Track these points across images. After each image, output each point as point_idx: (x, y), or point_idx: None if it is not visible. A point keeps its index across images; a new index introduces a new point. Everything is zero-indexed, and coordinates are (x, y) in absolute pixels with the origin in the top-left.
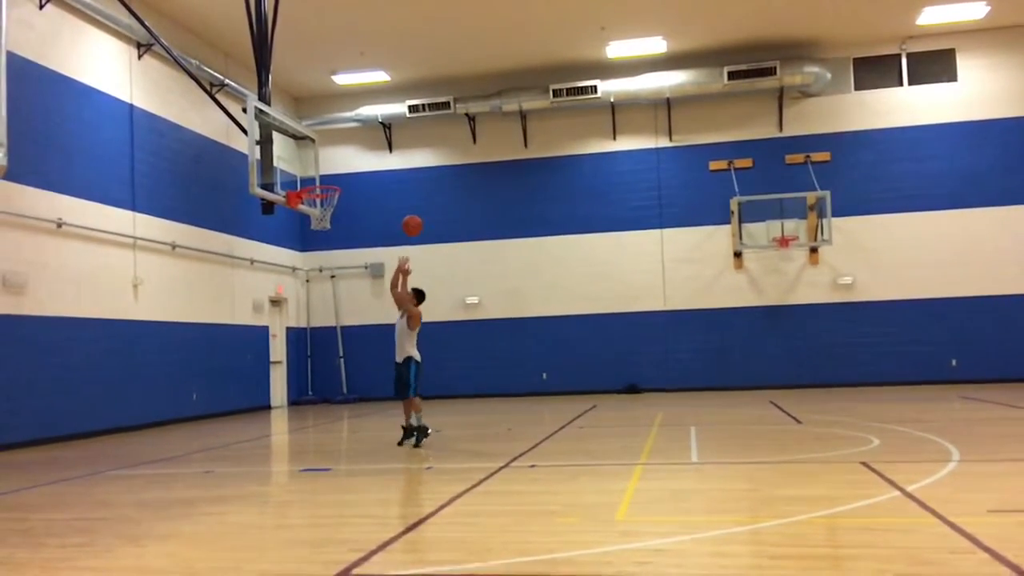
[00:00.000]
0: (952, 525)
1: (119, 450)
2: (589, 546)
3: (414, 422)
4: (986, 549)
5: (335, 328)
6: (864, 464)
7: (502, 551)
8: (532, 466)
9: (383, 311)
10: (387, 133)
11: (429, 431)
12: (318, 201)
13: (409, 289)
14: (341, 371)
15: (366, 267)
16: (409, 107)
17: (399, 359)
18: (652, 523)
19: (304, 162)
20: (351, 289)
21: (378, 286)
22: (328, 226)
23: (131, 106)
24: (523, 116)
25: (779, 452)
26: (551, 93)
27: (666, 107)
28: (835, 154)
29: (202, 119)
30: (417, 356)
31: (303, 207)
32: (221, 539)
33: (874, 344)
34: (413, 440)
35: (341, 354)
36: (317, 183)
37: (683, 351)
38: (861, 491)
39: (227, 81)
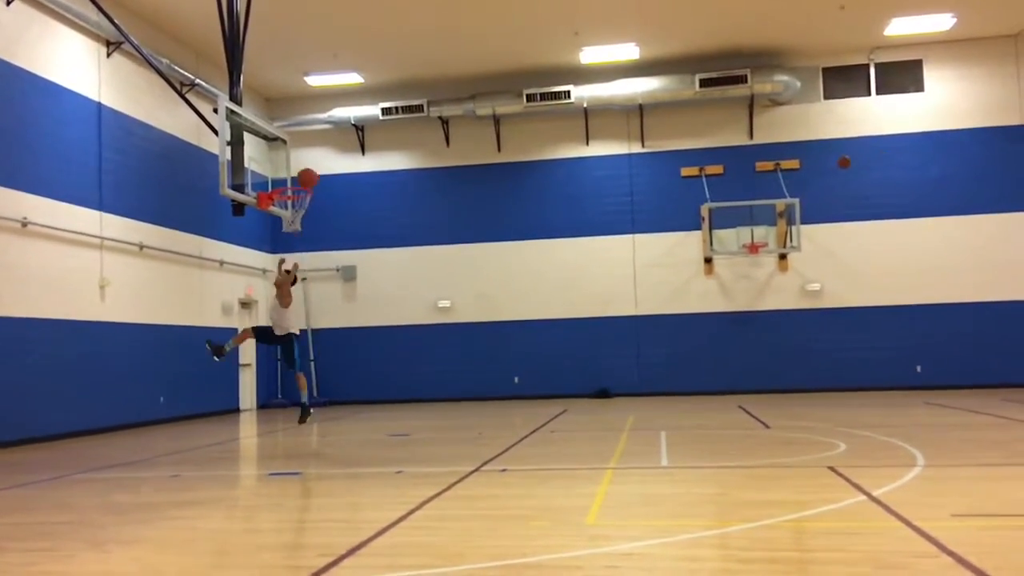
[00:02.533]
0: (917, 529)
1: (85, 453)
2: (559, 550)
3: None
4: (950, 553)
5: (306, 331)
6: (831, 469)
7: (473, 555)
8: (503, 470)
9: (355, 314)
10: (360, 135)
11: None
12: (289, 203)
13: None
14: (312, 374)
15: (337, 270)
16: (382, 109)
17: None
18: (622, 527)
19: (276, 163)
20: (322, 292)
21: (350, 289)
22: (299, 228)
23: (99, 104)
24: (496, 120)
25: (748, 456)
26: (525, 98)
27: (639, 113)
28: (804, 162)
29: (172, 119)
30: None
31: (274, 209)
32: (188, 544)
33: (841, 350)
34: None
35: (312, 357)
36: (289, 185)
37: (654, 356)
38: (828, 495)
39: (198, 80)
